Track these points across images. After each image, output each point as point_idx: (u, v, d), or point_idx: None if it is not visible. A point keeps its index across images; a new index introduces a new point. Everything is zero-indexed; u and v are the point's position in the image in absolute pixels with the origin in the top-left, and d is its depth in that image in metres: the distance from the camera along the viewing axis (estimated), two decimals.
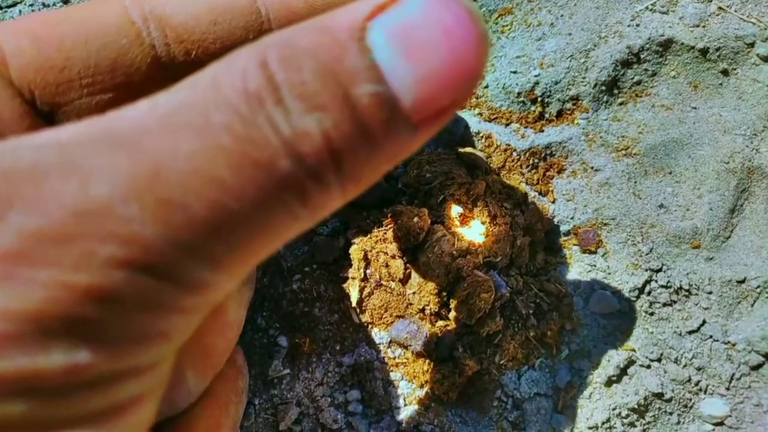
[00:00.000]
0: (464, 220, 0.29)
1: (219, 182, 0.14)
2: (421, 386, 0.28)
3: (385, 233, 0.29)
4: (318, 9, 0.23)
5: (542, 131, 0.30)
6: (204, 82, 0.15)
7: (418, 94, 0.16)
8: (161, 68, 0.21)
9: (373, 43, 0.16)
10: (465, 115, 0.31)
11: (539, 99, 0.31)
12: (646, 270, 0.28)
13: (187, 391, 0.23)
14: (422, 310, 0.28)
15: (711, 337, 0.28)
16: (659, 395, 0.27)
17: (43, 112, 0.20)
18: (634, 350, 0.28)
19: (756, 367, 0.28)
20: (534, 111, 0.31)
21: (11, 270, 0.12)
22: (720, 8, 0.31)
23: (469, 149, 0.30)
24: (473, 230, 0.29)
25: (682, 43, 0.30)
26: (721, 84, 0.30)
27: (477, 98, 0.31)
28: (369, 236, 0.29)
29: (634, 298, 0.28)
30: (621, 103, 0.31)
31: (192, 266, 0.14)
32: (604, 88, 0.31)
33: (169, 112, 0.15)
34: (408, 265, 0.28)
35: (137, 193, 0.13)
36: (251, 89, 0.15)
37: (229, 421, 0.25)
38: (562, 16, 0.31)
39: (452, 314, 0.28)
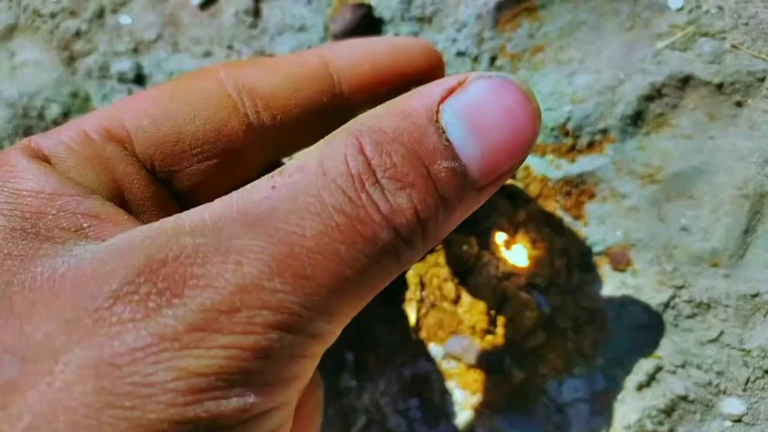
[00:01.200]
0: (508, 245, 0.32)
1: (338, 256, 0.18)
2: (474, 394, 0.32)
3: (437, 258, 0.33)
4: (384, 73, 0.26)
5: (574, 161, 0.34)
6: (311, 165, 0.19)
7: (484, 165, 0.21)
8: (253, 133, 0.24)
9: (447, 123, 0.20)
10: None
11: (571, 132, 0.34)
12: (671, 287, 0.32)
13: None
14: (473, 327, 0.32)
15: (728, 345, 0.32)
16: (684, 397, 0.31)
17: (161, 179, 0.23)
18: (660, 358, 0.32)
19: None
20: (566, 143, 0.34)
21: (199, 338, 0.16)
22: (733, 46, 0.34)
23: (509, 181, 0.34)
24: (516, 254, 0.32)
25: (700, 79, 0.34)
26: (735, 115, 0.34)
27: None
28: (423, 262, 0.33)
29: (660, 312, 0.32)
30: (645, 134, 0.34)
31: (318, 321, 0.18)
32: (629, 120, 0.34)
33: (289, 196, 0.19)
34: (459, 287, 0.32)
35: (279, 271, 0.17)
36: (354, 173, 0.19)
37: (315, 428, 0.29)
38: (589, 53, 0.35)
39: (499, 330, 0.32)
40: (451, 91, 0.20)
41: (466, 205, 0.20)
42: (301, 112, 0.25)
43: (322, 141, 0.20)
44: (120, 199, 0.22)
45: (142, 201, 0.23)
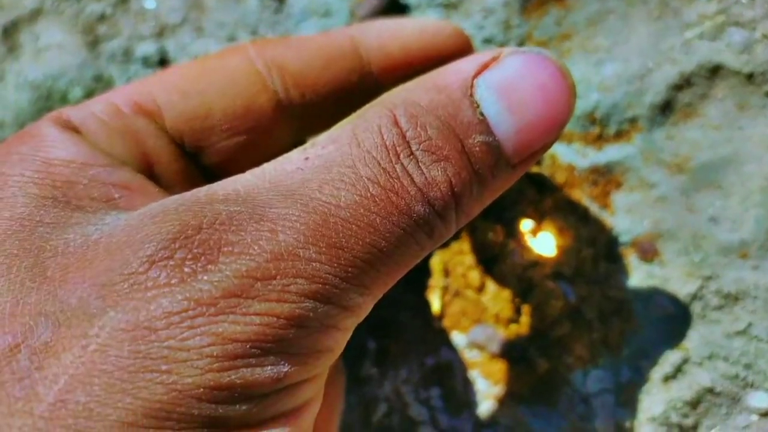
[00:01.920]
0: (534, 233, 0.32)
1: (373, 227, 0.18)
2: (497, 384, 0.32)
3: (462, 246, 0.32)
4: (412, 54, 0.26)
5: (601, 150, 0.34)
6: (345, 136, 0.19)
7: (519, 141, 0.20)
8: (282, 110, 0.24)
9: (481, 98, 0.20)
10: None
11: (598, 120, 0.34)
12: (699, 278, 0.32)
13: None
14: (497, 316, 0.32)
15: (756, 337, 0.31)
16: (710, 390, 0.31)
17: (190, 154, 0.23)
18: (687, 350, 0.32)
19: None
20: (594, 131, 0.34)
21: (234, 304, 0.16)
22: (764, 36, 0.34)
23: (535, 168, 0.33)
24: (542, 243, 0.32)
25: (729, 68, 0.34)
26: (764, 105, 0.34)
27: None
28: (447, 249, 0.32)
29: (687, 303, 0.32)
30: (673, 124, 0.34)
31: (351, 293, 0.18)
32: (658, 110, 0.34)
33: (323, 167, 0.19)
34: (483, 275, 0.32)
35: (314, 240, 0.17)
36: (388, 144, 0.19)
37: (337, 415, 0.29)
38: (617, 42, 0.35)
39: (524, 319, 0.32)
40: (485, 66, 0.20)
41: (500, 181, 0.20)
42: (330, 90, 0.25)
43: (354, 114, 0.20)
44: (149, 172, 0.22)
45: (171, 175, 0.23)
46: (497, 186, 0.20)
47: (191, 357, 0.15)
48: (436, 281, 0.33)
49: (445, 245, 0.33)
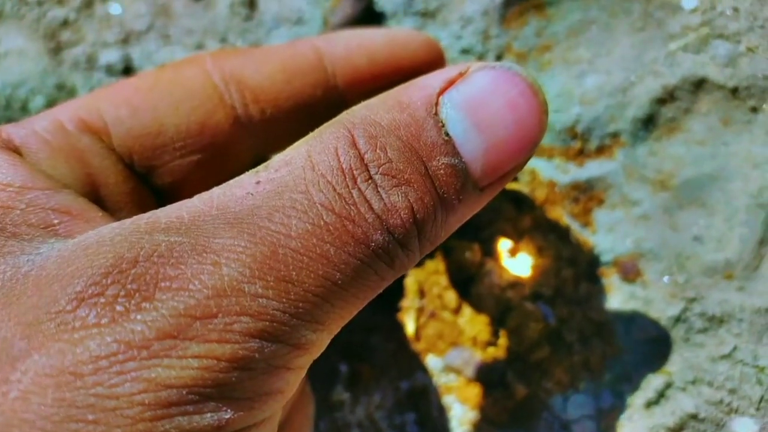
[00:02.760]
0: (512, 253, 0.31)
1: (326, 258, 0.17)
2: (474, 409, 0.31)
3: (438, 266, 0.31)
4: (380, 66, 0.25)
5: (583, 166, 0.33)
6: (299, 159, 0.18)
7: (487, 163, 0.19)
8: (240, 127, 0.23)
9: (447, 116, 0.19)
10: None
11: (579, 135, 0.33)
12: (682, 299, 0.31)
13: None
14: (474, 339, 0.30)
15: (741, 361, 0.31)
16: (694, 416, 0.30)
17: (140, 174, 0.22)
18: (670, 374, 0.31)
19: None
20: (575, 146, 0.33)
21: (169, 346, 0.15)
22: (749, 49, 0.33)
23: (514, 185, 0.32)
24: (521, 263, 0.31)
25: (714, 82, 0.33)
26: (749, 121, 0.33)
27: None
28: (422, 268, 0.31)
29: (671, 326, 0.31)
30: (657, 139, 0.33)
31: (302, 330, 0.16)
32: (640, 124, 0.33)
33: (274, 192, 0.17)
34: (460, 296, 0.31)
35: (261, 273, 0.16)
36: (345, 168, 0.17)
37: None
38: (599, 54, 0.34)
39: (502, 342, 0.31)
40: (451, 82, 0.19)
41: (467, 206, 0.19)
42: (292, 105, 0.24)
43: (311, 134, 0.18)
44: (95, 194, 0.21)
45: (119, 197, 0.22)
46: (464, 211, 0.19)
47: (120, 405, 0.14)
48: (410, 302, 0.32)
49: (420, 264, 0.32)
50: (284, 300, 0.16)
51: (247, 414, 0.16)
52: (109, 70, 0.35)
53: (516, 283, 0.31)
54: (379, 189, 0.17)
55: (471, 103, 0.18)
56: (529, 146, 0.19)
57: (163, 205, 0.22)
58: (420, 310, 0.32)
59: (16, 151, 0.20)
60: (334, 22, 0.34)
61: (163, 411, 0.14)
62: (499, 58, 0.35)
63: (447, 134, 0.18)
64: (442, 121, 0.18)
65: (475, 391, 0.31)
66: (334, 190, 0.17)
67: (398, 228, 0.17)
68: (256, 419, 0.16)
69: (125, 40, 0.36)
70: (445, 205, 0.18)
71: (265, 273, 0.16)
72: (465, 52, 0.34)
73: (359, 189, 0.17)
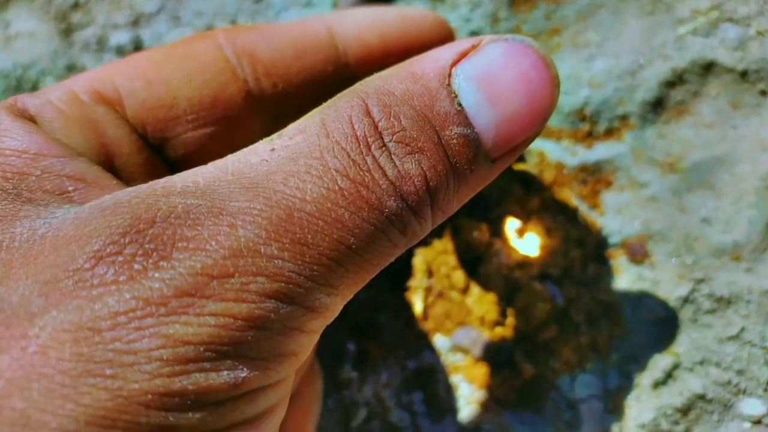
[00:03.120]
0: (520, 233, 0.31)
1: (341, 222, 0.17)
2: (481, 389, 0.31)
3: (446, 245, 0.31)
4: (391, 44, 0.25)
5: (591, 148, 0.33)
6: (314, 127, 0.18)
7: (499, 134, 0.19)
8: (252, 101, 0.23)
9: (459, 87, 0.19)
10: None
11: (588, 117, 0.33)
12: (690, 280, 0.31)
13: None
14: (482, 318, 0.31)
15: (749, 342, 0.31)
16: (702, 396, 0.30)
17: (154, 145, 0.22)
18: (678, 355, 0.31)
19: None
20: (583, 129, 0.33)
21: (187, 304, 0.15)
22: (758, 32, 0.33)
23: (522, 166, 0.32)
24: (529, 243, 0.31)
25: (723, 66, 0.33)
26: (758, 104, 0.33)
27: None
28: (430, 248, 0.31)
29: (678, 307, 0.31)
30: (665, 121, 0.33)
31: (317, 293, 0.16)
32: (649, 107, 0.33)
33: (289, 158, 0.17)
34: (468, 276, 0.31)
35: (276, 235, 0.16)
36: (359, 135, 0.18)
37: (312, 419, 0.28)
38: (608, 37, 0.34)
39: (510, 322, 0.31)
40: (464, 54, 0.19)
41: (478, 177, 0.19)
42: (303, 80, 0.24)
43: (325, 103, 0.19)
44: (109, 164, 0.21)
45: (133, 167, 0.22)
46: (476, 181, 0.19)
47: (138, 360, 0.14)
48: (419, 282, 0.32)
49: (428, 243, 0.32)
50: (299, 262, 0.16)
51: (262, 374, 0.16)
52: (120, 52, 0.36)
53: (524, 264, 0.31)
54: (392, 156, 0.17)
55: (483, 74, 0.18)
56: (541, 118, 0.19)
57: None
58: (428, 290, 0.32)
59: (31, 119, 0.20)
60: (343, 3, 0.34)
61: (180, 367, 0.15)
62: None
63: (460, 105, 0.18)
64: (454, 92, 0.18)
65: (482, 371, 0.32)
66: (349, 156, 0.17)
67: (411, 195, 0.17)
68: (270, 380, 0.17)
69: (135, 22, 0.36)
70: (457, 174, 0.18)
71: (281, 235, 0.16)
72: (474, 34, 0.34)
73: (373, 156, 0.17)
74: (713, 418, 0.31)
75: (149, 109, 0.22)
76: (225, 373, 0.15)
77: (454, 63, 0.19)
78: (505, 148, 0.19)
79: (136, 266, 0.15)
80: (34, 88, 0.36)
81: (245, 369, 0.15)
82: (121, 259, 0.15)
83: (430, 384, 0.32)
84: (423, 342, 0.32)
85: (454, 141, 0.18)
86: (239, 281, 0.15)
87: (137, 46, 0.35)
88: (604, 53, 0.35)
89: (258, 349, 0.16)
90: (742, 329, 0.32)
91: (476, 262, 0.32)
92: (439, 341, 0.32)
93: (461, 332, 0.32)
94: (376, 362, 0.32)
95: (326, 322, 0.18)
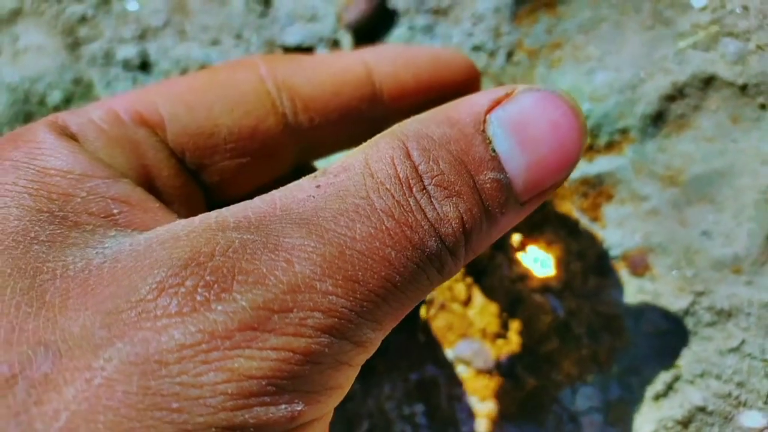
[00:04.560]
0: (522, 246, 0.32)
1: (388, 260, 0.17)
2: (483, 401, 0.31)
3: None
4: (424, 83, 0.26)
5: (592, 161, 0.33)
6: (358, 166, 0.19)
7: (529, 179, 0.20)
8: (288, 133, 0.24)
9: (493, 134, 0.20)
10: None
11: (590, 131, 0.33)
12: (691, 293, 0.31)
13: None
14: (484, 331, 0.31)
15: (750, 354, 0.31)
16: (702, 409, 0.31)
17: (191, 170, 0.23)
18: (679, 367, 0.31)
19: None
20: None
21: (250, 338, 0.16)
22: (758, 47, 0.33)
23: None
24: (531, 256, 0.31)
25: (723, 80, 0.33)
26: (758, 118, 0.33)
27: None
28: None
29: (679, 319, 0.31)
30: (666, 135, 0.34)
31: (365, 328, 0.17)
32: (650, 120, 0.33)
33: (336, 195, 0.18)
34: (470, 288, 0.31)
35: (330, 272, 0.16)
36: (402, 177, 0.18)
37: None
38: (609, 51, 0.34)
39: (512, 334, 0.31)
40: (498, 102, 0.20)
41: (508, 219, 0.20)
42: (339, 116, 0.24)
43: (365, 143, 0.19)
44: (149, 185, 0.21)
45: (171, 190, 0.22)
46: (506, 223, 0.20)
47: (204, 394, 0.15)
48: None
49: None
50: (351, 299, 0.16)
51: (314, 407, 0.16)
52: (126, 66, 0.36)
53: (525, 276, 0.32)
54: (432, 199, 0.18)
55: (516, 122, 0.19)
56: (569, 164, 0.20)
57: (210, 199, 0.23)
58: (430, 302, 0.32)
59: (73, 138, 0.20)
60: (348, 18, 0.34)
61: (243, 401, 0.15)
62: (510, 55, 0.35)
63: (494, 150, 0.19)
64: (489, 138, 0.19)
65: (484, 383, 0.32)
66: (393, 197, 0.18)
67: (449, 236, 0.18)
68: (321, 413, 0.17)
69: (142, 36, 0.36)
70: (489, 217, 0.19)
71: (334, 272, 0.16)
72: (476, 48, 0.35)
73: (415, 198, 0.18)
74: (713, 430, 0.32)
75: (190, 135, 0.22)
76: (283, 407, 0.16)
77: (489, 109, 0.19)
78: (535, 192, 0.20)
79: (198, 298, 0.15)
80: (41, 101, 0.37)
81: (301, 402, 0.16)
82: (183, 290, 0.15)
83: (433, 396, 0.32)
84: (425, 354, 0.33)
85: (488, 185, 0.19)
86: (298, 316, 0.16)
87: (144, 60, 0.36)
88: (605, 67, 0.35)
89: (312, 383, 0.16)
90: (743, 342, 0.32)
91: (479, 275, 0.32)
92: (441, 354, 0.33)
93: (463, 344, 0.32)
94: (379, 375, 0.32)
95: (368, 355, 0.18)
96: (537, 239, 0.32)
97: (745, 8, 0.35)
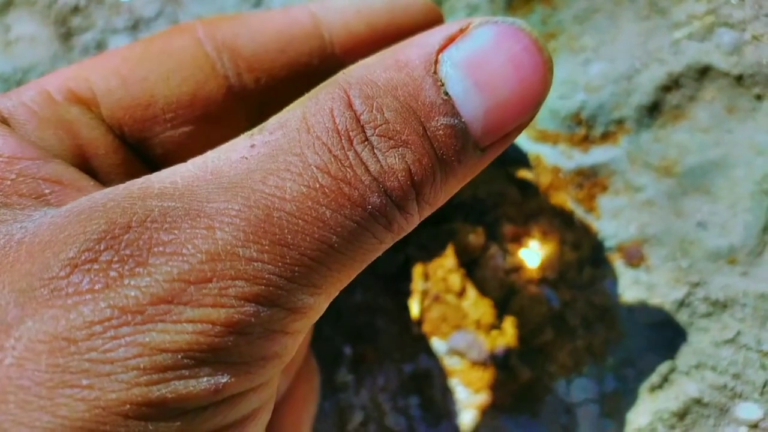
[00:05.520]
0: (517, 237, 0.31)
1: (322, 221, 0.16)
2: (477, 392, 0.31)
3: (443, 249, 0.31)
4: (379, 32, 0.24)
5: (587, 152, 0.33)
6: (294, 121, 0.18)
7: (488, 122, 0.19)
8: (234, 97, 0.23)
9: (446, 75, 0.19)
10: None
11: (584, 121, 0.33)
12: (686, 284, 0.31)
13: (277, 392, 0.26)
14: (478, 322, 0.31)
15: (745, 346, 0.31)
16: (698, 401, 0.30)
17: (132, 145, 0.22)
18: (674, 359, 0.31)
19: None
20: (579, 133, 0.33)
21: (164, 311, 0.15)
22: (754, 37, 0.33)
23: (519, 170, 0.33)
24: (525, 247, 0.31)
25: (719, 70, 0.33)
26: (754, 108, 0.33)
27: None
28: (427, 251, 0.32)
29: (674, 311, 0.31)
30: (661, 126, 0.33)
31: (299, 294, 0.16)
32: (645, 111, 0.33)
33: (269, 155, 0.17)
34: (464, 279, 0.31)
35: (255, 237, 0.16)
36: (341, 129, 0.17)
37: (308, 416, 0.28)
38: (604, 41, 0.34)
39: (506, 326, 0.31)
40: (451, 39, 0.18)
41: (468, 167, 0.18)
42: (287, 74, 0.23)
43: (306, 95, 0.18)
44: (85, 165, 0.21)
45: (110, 168, 0.21)
46: (465, 172, 0.19)
47: (115, 370, 0.14)
48: (415, 285, 0.32)
49: (425, 247, 0.33)
50: (279, 264, 0.16)
51: (243, 378, 0.16)
52: None
53: (520, 267, 0.32)
54: (375, 151, 0.17)
55: (472, 60, 0.18)
56: (533, 105, 0.18)
57: None
58: (424, 293, 0.32)
59: (4, 122, 0.20)
60: None
61: (158, 375, 0.14)
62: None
63: (446, 93, 0.18)
64: (441, 80, 0.18)
65: (479, 375, 0.32)
66: (330, 152, 0.16)
67: (395, 190, 0.17)
68: (253, 384, 0.16)
69: (134, 26, 0.36)
70: (444, 166, 0.18)
71: (260, 236, 0.16)
72: None
73: (355, 151, 0.17)
74: (709, 422, 0.32)
75: (125, 108, 0.22)
76: (204, 379, 0.15)
77: (441, 49, 0.18)
78: (496, 136, 0.18)
79: (111, 273, 0.15)
80: None
81: (226, 374, 0.15)
82: (96, 266, 0.15)
83: (427, 388, 0.32)
84: (419, 345, 0.32)
85: (441, 132, 0.17)
86: (217, 286, 0.15)
87: None
88: (600, 57, 0.35)
89: (239, 354, 0.16)
90: (738, 333, 0.32)
91: (472, 266, 0.32)
92: (436, 345, 0.32)
93: (457, 336, 0.32)
94: (372, 366, 0.32)
95: (311, 321, 0.18)
96: (531, 230, 0.32)
97: None
